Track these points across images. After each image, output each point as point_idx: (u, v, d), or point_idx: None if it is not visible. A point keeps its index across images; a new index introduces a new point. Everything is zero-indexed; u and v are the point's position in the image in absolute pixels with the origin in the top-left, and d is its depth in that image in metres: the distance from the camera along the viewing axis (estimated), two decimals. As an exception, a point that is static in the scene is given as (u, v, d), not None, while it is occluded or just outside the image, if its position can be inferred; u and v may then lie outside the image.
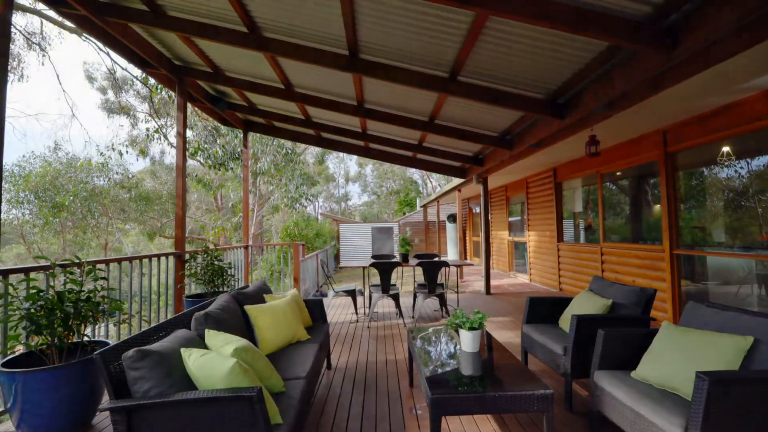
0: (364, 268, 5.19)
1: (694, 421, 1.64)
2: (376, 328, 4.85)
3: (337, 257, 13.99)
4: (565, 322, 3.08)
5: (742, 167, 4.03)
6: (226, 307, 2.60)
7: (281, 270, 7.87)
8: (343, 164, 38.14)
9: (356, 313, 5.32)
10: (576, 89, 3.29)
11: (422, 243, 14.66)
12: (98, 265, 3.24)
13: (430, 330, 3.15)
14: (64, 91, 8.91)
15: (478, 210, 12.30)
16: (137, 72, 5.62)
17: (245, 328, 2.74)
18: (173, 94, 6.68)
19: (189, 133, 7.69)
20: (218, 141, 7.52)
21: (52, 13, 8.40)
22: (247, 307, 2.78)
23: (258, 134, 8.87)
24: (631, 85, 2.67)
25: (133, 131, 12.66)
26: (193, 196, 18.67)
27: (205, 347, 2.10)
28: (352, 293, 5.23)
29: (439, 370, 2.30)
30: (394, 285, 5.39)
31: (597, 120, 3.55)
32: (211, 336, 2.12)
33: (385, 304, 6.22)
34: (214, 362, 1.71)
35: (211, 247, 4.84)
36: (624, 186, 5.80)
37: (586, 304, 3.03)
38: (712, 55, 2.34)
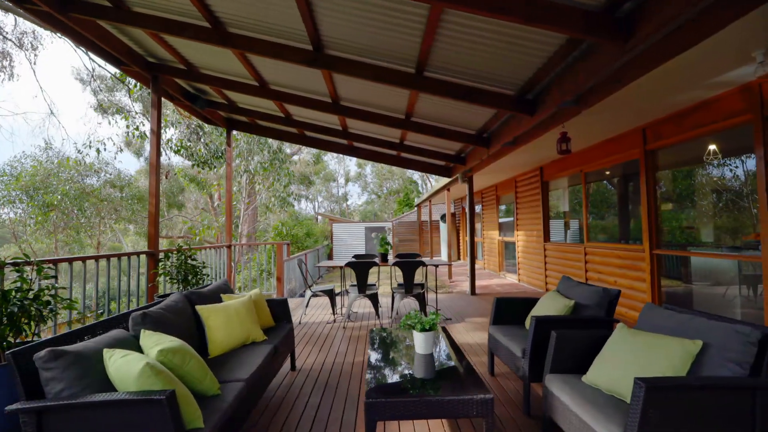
0: (341, 267, 5.12)
1: (630, 428, 1.56)
2: (352, 329, 4.78)
3: (330, 257, 13.93)
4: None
5: (720, 166, 3.93)
6: (172, 306, 2.55)
7: (269, 270, 7.83)
8: (342, 164, 38.11)
9: (333, 313, 5.25)
10: (543, 84, 3.21)
11: (416, 243, 14.58)
12: (54, 264, 3.20)
13: (392, 331, 3.08)
14: (41, 89, 8.87)
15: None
16: (116, 70, 5.58)
17: (195, 328, 2.69)
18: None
19: (171, 131, 7.68)
20: (202, 139, 7.49)
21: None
22: (199, 307, 2.72)
23: (247, 134, 8.83)
24: (594, 78, 2.58)
25: (128, 131, 12.70)
26: (193, 196, 18.73)
27: (139, 348, 2.04)
28: (329, 293, 5.16)
29: (385, 373, 2.23)
30: (373, 285, 5.32)
31: (567, 116, 3.46)
32: (146, 336, 2.06)
33: (364, 304, 6.15)
34: (130, 364, 1.65)
35: (185, 246, 4.79)
36: (607, 185, 5.70)
37: (550, 304, 2.95)
38: (670, 46, 2.25)
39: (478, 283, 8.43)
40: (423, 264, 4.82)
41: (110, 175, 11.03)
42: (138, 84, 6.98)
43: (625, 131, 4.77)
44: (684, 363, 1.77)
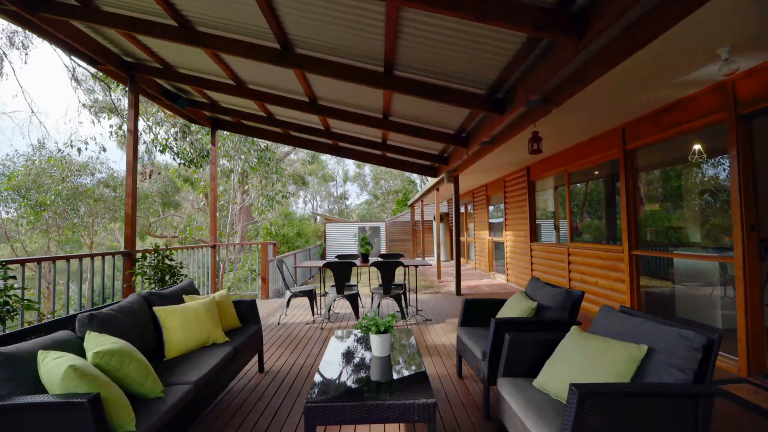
0: (320, 267, 5.09)
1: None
2: (330, 330, 4.75)
3: (323, 257, 13.89)
4: (496, 325, 2.94)
5: (699, 165, 3.88)
6: (126, 308, 2.52)
7: (257, 270, 7.81)
8: (341, 164, 38.08)
9: (313, 313, 5.22)
10: (510, 83, 3.17)
11: (410, 243, 14.53)
12: (22, 264, 3.19)
13: (358, 332, 3.05)
14: (21, 87, 8.86)
15: (463, 210, 12.15)
16: (94, 69, 5.56)
17: (152, 330, 2.66)
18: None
19: (156, 130, 7.65)
20: (188, 138, 7.48)
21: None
22: (156, 309, 2.70)
23: (235, 133, 8.81)
24: (554, 77, 2.54)
25: (111, 130, 12.68)
26: (190, 195, 18.74)
27: (82, 350, 2.02)
28: (309, 294, 5.13)
29: (335, 375, 2.20)
30: (353, 285, 5.28)
31: (538, 115, 3.41)
32: (90, 338, 2.04)
33: (346, 305, 6.11)
34: (58, 368, 1.63)
35: (163, 246, 4.78)
36: (591, 185, 5.64)
37: (515, 306, 2.90)
38: (627, 43, 2.20)
39: (467, 283, 8.39)
40: (401, 264, 4.78)
41: (104, 174, 11.05)
42: (118, 83, 6.98)
43: (605, 131, 4.72)
44: (628, 368, 1.73)
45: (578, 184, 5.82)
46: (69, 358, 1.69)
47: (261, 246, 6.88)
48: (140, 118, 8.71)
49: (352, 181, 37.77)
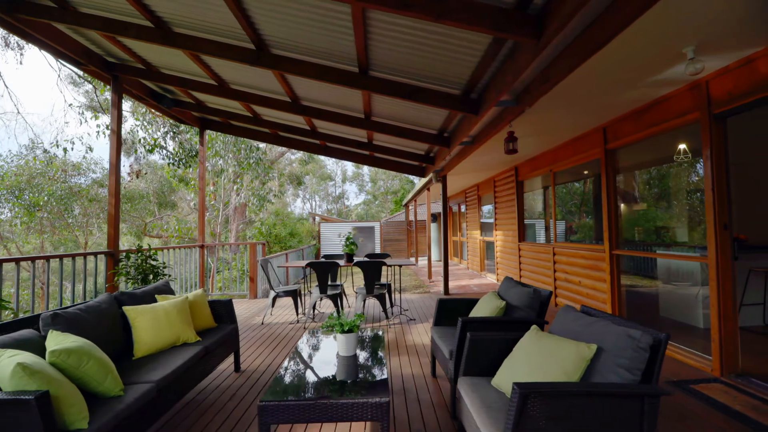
0: (303, 267, 5.10)
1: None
2: (313, 329, 4.76)
3: (317, 256, 13.90)
4: (467, 325, 2.95)
5: (678, 166, 3.87)
6: (94, 307, 2.54)
7: (246, 270, 7.82)
8: (340, 164, 38.09)
9: (297, 313, 5.23)
10: (482, 84, 3.17)
11: (404, 242, 14.52)
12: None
13: (330, 332, 3.05)
14: (6, 87, 8.86)
15: (456, 210, 12.14)
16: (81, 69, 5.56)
17: (120, 329, 2.68)
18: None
19: (142, 130, 7.69)
20: (177, 138, 7.50)
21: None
22: (126, 308, 2.71)
23: (224, 133, 8.82)
24: (519, 77, 2.54)
25: (129, 132, 12.67)
26: (189, 195, 18.78)
27: (44, 348, 2.03)
28: (292, 293, 5.14)
29: (294, 375, 2.21)
30: (339, 285, 5.29)
31: (512, 115, 3.41)
32: (52, 337, 2.05)
33: (331, 305, 6.12)
34: (8, 366, 1.64)
35: (145, 247, 4.79)
36: (576, 185, 5.63)
37: (485, 306, 2.91)
38: (588, 43, 2.20)
39: (457, 283, 8.39)
40: (384, 264, 4.79)
41: (98, 174, 11.08)
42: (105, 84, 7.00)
43: (588, 131, 4.72)
44: (576, 368, 1.73)
45: (576, 183, 5.80)
46: (22, 357, 1.71)
47: (250, 246, 6.90)
48: (131, 118, 8.75)
49: (350, 181, 37.82)
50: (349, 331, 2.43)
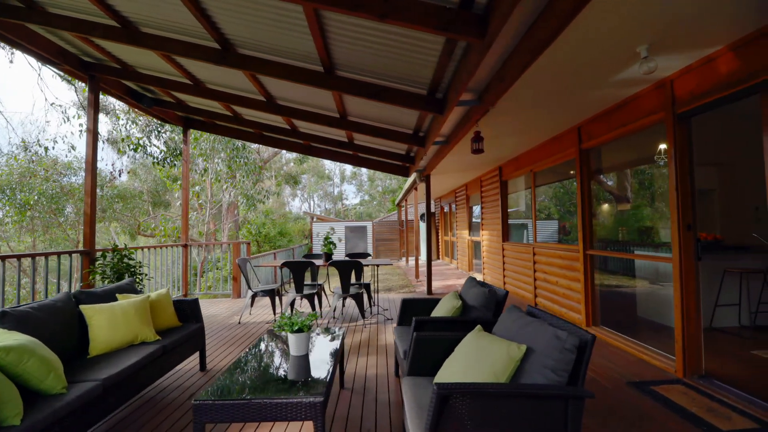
0: (278, 267, 5.11)
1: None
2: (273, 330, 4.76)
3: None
4: (426, 325, 2.95)
5: (653, 167, 3.86)
6: (48, 305, 2.55)
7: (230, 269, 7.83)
8: (339, 163, 38.06)
9: (274, 313, 5.24)
10: (445, 83, 3.16)
11: (396, 242, 14.52)
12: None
13: (281, 331, 3.05)
14: None
15: (447, 209, 12.13)
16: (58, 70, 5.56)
17: (77, 327, 2.69)
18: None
19: (126, 129, 7.71)
20: (162, 137, 7.52)
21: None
22: (83, 307, 2.72)
23: (210, 133, 8.83)
24: (475, 77, 2.53)
25: (129, 130, 12.72)
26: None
27: (-14, 347, 2.04)
28: (270, 293, 5.15)
29: (238, 374, 2.21)
30: (318, 284, 5.30)
31: (477, 115, 3.40)
32: (-4, 335, 2.06)
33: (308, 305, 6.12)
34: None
35: (120, 246, 4.80)
36: (554, 185, 5.61)
37: (444, 305, 2.90)
38: (532, 42, 2.19)
39: (444, 283, 8.38)
40: (359, 264, 4.79)
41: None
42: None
43: (564, 130, 4.70)
44: (505, 368, 1.73)
45: (557, 183, 5.78)
46: (-48, 356, 1.72)
47: (233, 245, 6.91)
48: (120, 117, 8.76)
49: (349, 181, 37.83)
50: (299, 331, 2.43)
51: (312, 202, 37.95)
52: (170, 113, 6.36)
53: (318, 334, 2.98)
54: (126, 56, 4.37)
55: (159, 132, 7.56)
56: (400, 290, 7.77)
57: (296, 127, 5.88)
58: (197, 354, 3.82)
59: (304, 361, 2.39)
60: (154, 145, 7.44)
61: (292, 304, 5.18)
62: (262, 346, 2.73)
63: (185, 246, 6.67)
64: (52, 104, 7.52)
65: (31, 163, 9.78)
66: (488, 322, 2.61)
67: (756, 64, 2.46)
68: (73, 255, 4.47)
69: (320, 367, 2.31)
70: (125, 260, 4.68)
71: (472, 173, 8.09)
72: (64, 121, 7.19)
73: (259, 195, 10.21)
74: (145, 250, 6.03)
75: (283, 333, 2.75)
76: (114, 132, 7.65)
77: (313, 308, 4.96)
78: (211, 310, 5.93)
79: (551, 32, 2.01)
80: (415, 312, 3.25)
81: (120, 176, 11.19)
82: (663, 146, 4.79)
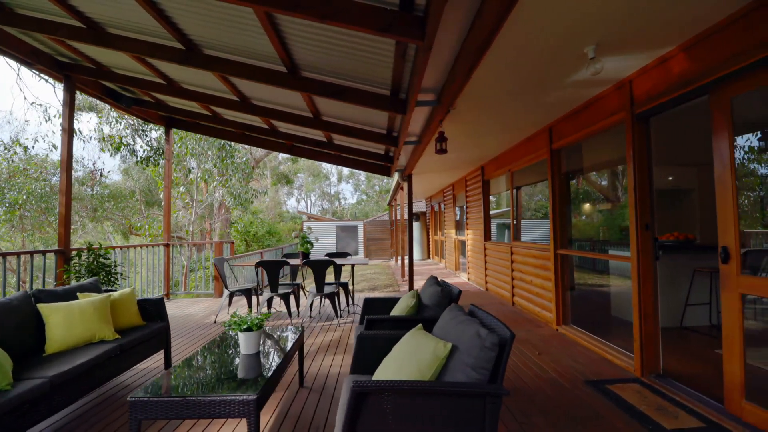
0: (255, 265, 5.13)
1: (339, 429, 1.55)
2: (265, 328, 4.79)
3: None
4: (384, 323, 2.97)
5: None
6: (5, 304, 2.58)
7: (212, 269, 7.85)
8: (336, 163, 38.03)
9: (250, 312, 5.25)
10: (405, 84, 3.18)
11: (387, 242, 14.55)
12: None
13: (239, 331, 3.07)
14: None
15: (437, 208, 12.14)
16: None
17: (33, 326, 2.71)
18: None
19: (108, 128, 7.73)
20: (147, 136, 7.55)
21: None
22: (40, 305, 2.75)
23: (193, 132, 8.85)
24: (424, 77, 2.55)
25: (113, 129, 12.74)
26: (175, 194, 18.83)
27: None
28: (247, 292, 5.18)
29: (183, 372, 2.23)
30: (293, 284, 5.32)
31: (439, 115, 3.42)
32: (-59, 334, 2.09)
33: (291, 303, 6.14)
34: None
35: (96, 245, 4.83)
36: (530, 184, 5.63)
37: (401, 304, 2.93)
38: (472, 43, 2.20)
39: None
40: (333, 263, 4.81)
41: (79, 173, 11.14)
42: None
43: (538, 130, 4.72)
44: (430, 366, 1.75)
45: (538, 183, 5.80)
46: None
47: (216, 245, 6.94)
48: (102, 116, 8.78)
49: (346, 180, 37.84)
50: (248, 329, 2.46)
51: (309, 202, 38.00)
52: (151, 113, 6.38)
53: (280, 333, 3.01)
54: (99, 56, 4.39)
55: (144, 131, 7.58)
56: (385, 289, 7.79)
57: (276, 127, 5.89)
58: (162, 352, 3.84)
59: (251, 360, 2.41)
60: (139, 144, 7.48)
61: (269, 302, 5.21)
62: (218, 344, 2.76)
63: (167, 245, 6.70)
64: (32, 103, 7.54)
65: (11, 162, 9.78)
66: (435, 321, 2.63)
67: (705, 64, 2.48)
68: (45, 255, 4.50)
69: (266, 365, 2.33)
70: (100, 260, 4.71)
71: (457, 173, 8.11)
72: (45, 120, 7.22)
73: (247, 194, 10.26)
74: (127, 249, 6.05)
75: (231, 332, 2.77)
76: (96, 131, 7.65)
77: (288, 307, 4.99)
78: (190, 309, 5.96)
79: (488, 33, 2.03)
80: (376, 311, 3.27)
81: (101, 176, 11.22)
82: (617, 147, 4.79)
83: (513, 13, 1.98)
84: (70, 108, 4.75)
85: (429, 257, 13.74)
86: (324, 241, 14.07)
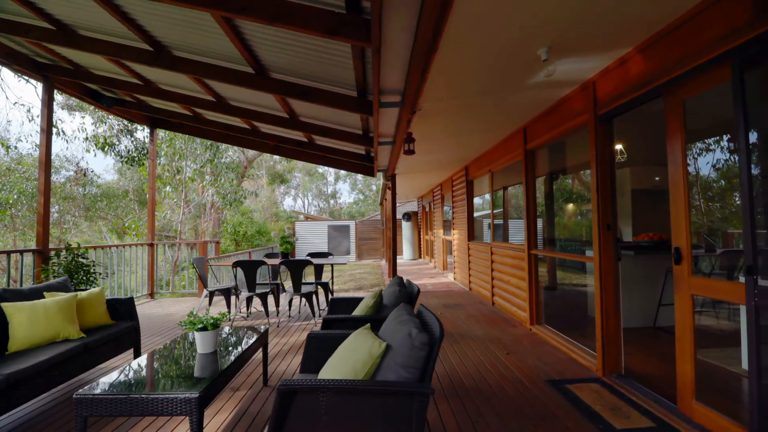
0: (232, 265, 5.17)
1: (269, 428, 1.58)
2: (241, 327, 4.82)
3: (292, 255, 13.94)
4: (346, 323, 3.00)
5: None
6: (-36, 303, 2.61)
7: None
8: (334, 162, 38.04)
9: (229, 312, 5.30)
10: (370, 86, 3.20)
11: (379, 241, 14.59)
12: None
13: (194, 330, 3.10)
14: None
15: (428, 208, 12.17)
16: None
17: (-5, 325, 2.75)
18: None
19: (93, 128, 7.76)
20: (133, 136, 7.57)
21: None
22: (4, 304, 2.78)
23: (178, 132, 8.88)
24: (390, 79, 2.58)
25: (98, 129, 12.81)
26: (167, 193, 18.88)
27: None
28: (225, 292, 5.21)
29: (134, 370, 2.26)
30: (268, 284, 5.35)
31: (406, 115, 3.44)
32: None
33: (270, 303, 6.18)
34: None
35: (73, 245, 4.86)
36: (512, 185, 5.65)
37: (364, 304, 2.95)
38: (421, 45, 2.22)
39: (416, 282, 8.42)
40: (310, 263, 4.84)
41: (71, 173, 11.20)
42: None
43: (514, 131, 4.74)
44: (365, 365, 1.77)
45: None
46: None
47: (200, 245, 6.97)
48: (93, 116, 8.81)
49: (343, 180, 37.84)
50: (203, 329, 2.48)
51: (306, 201, 38.04)
52: (135, 113, 6.41)
53: (245, 333, 3.03)
54: (75, 57, 4.41)
55: (130, 131, 7.62)
56: (371, 289, 7.82)
57: (257, 128, 5.92)
58: (131, 351, 3.86)
59: (205, 359, 2.44)
60: (123, 145, 7.51)
61: (248, 302, 5.24)
62: (181, 341, 2.79)
63: (151, 245, 6.73)
64: (15, 104, 7.59)
65: (11, 161, 9.84)
66: (371, 321, 2.66)
67: (659, 65, 2.49)
68: (23, 254, 4.53)
69: (220, 364, 2.36)
70: (79, 259, 4.74)
71: (443, 173, 8.13)
72: (29, 120, 7.26)
73: (236, 194, 10.29)
74: (109, 248, 6.09)
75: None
76: (80, 131, 7.69)
77: (266, 307, 5.02)
78: (172, 308, 6.00)
79: (432, 35, 2.05)
80: (341, 311, 3.30)
81: (84, 176, 11.26)
82: (619, 146, 4.82)
83: (454, 17, 2.00)
84: (48, 108, 4.78)
85: (420, 257, 13.78)
86: (316, 241, 14.09)
